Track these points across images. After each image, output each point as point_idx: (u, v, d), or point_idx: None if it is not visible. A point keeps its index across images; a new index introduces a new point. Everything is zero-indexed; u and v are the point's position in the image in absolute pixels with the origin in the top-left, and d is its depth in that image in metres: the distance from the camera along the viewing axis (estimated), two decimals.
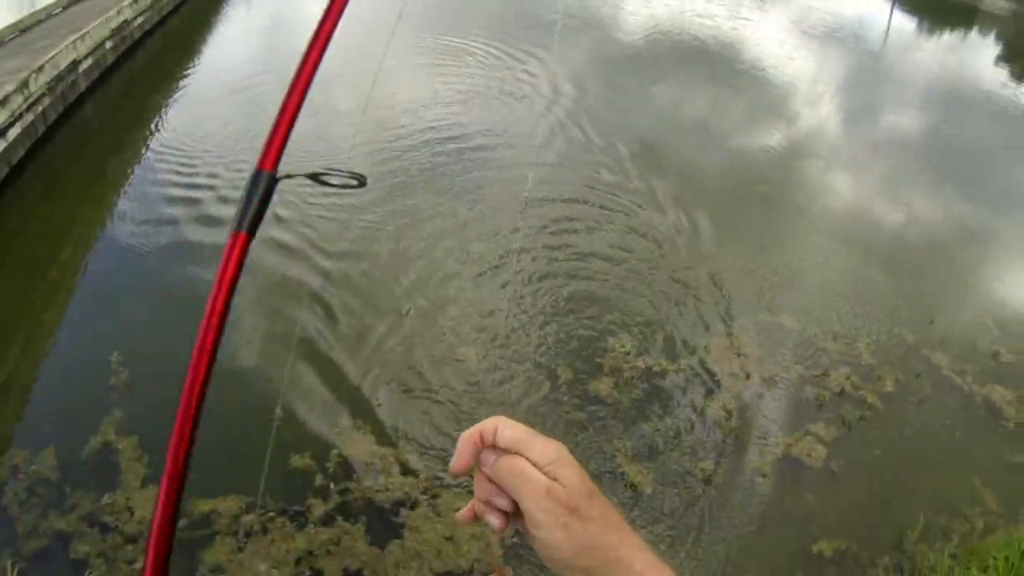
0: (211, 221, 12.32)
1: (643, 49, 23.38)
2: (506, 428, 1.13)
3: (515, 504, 1.14)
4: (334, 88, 15.75)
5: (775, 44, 25.18)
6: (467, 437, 1.15)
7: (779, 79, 21.70)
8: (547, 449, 1.11)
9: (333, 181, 1.59)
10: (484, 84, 19.19)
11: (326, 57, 1.58)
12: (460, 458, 1.14)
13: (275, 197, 1.53)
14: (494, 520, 1.17)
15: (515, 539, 7.26)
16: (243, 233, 1.54)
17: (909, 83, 23.87)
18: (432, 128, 16.07)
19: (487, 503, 1.16)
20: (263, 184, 1.56)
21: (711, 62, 22.54)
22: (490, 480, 1.14)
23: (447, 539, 7.24)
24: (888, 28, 29.61)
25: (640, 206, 13.30)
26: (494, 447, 1.13)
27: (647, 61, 22.10)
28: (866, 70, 24.83)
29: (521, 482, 1.09)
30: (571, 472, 1.09)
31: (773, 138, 17.35)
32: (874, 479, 8.32)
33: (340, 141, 15.15)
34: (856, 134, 18.56)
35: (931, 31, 32.46)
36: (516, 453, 1.10)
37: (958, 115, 21.06)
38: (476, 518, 1.20)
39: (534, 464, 1.08)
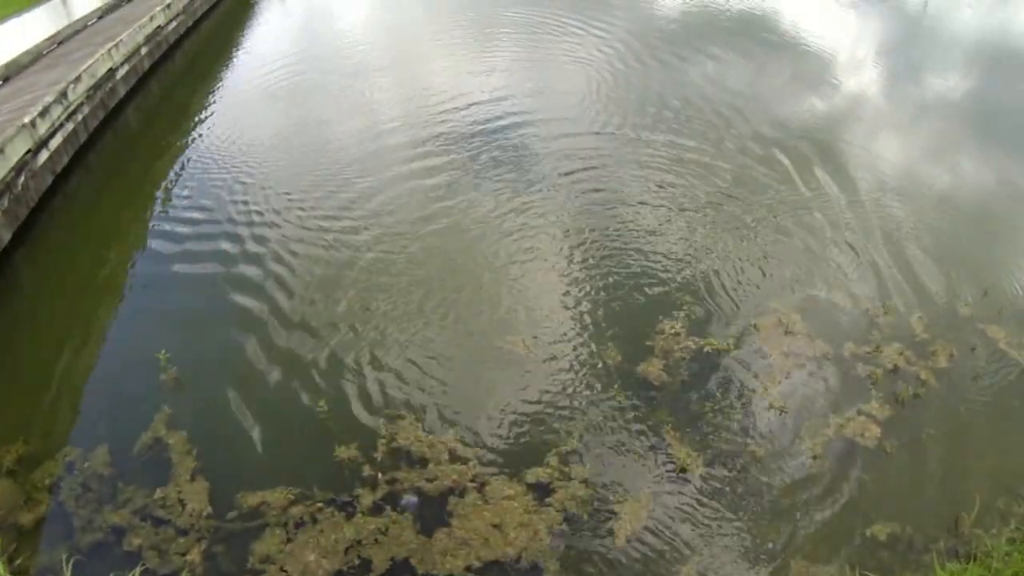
0: (249, 225, 12.58)
1: (684, 17, 23.08)
2: None
3: None
4: None
5: (816, 8, 24.55)
6: None
7: (822, 43, 21.12)
8: None
9: None
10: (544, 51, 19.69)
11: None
12: None
13: None
14: None
15: (563, 525, 7.28)
16: None
17: (953, 43, 23.00)
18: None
19: None
20: None
21: (752, 29, 22.08)
22: None
23: (495, 527, 7.20)
24: None
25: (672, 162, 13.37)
26: None
27: (689, 29, 21.74)
28: (908, 30, 24.05)
29: None
30: None
31: (817, 100, 16.96)
32: (929, 459, 8.04)
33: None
34: (900, 95, 17.97)
35: None
36: None
37: (1007, 74, 20.25)
38: None
39: None
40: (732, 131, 15.21)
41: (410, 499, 7.39)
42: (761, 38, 21.54)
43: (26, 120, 11.99)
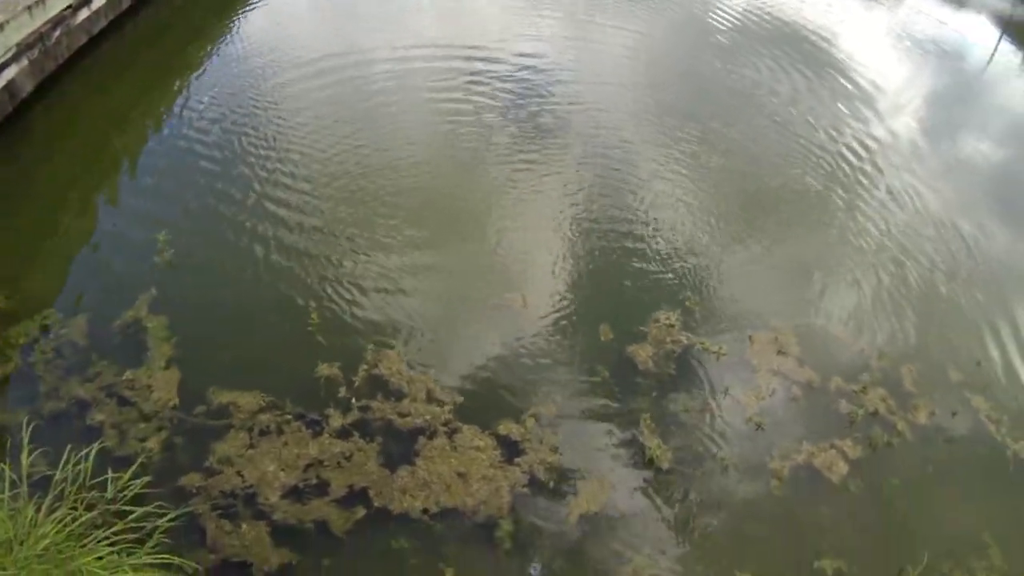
0: (270, 121, 12.45)
1: (742, 28, 22.59)
2: None
3: None
4: None
5: (874, 43, 24.06)
6: None
7: (870, 79, 20.74)
8: None
9: None
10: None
11: None
12: None
13: None
14: None
15: (525, 488, 7.32)
16: None
17: (1003, 110, 22.59)
18: None
19: None
20: None
21: (806, 50, 21.63)
22: None
23: (459, 475, 7.21)
24: (994, 52, 28.05)
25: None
26: None
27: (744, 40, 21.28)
28: (959, 89, 23.62)
29: None
30: None
31: (848, 134, 16.71)
32: (888, 508, 8.08)
33: None
34: (934, 150, 17.69)
35: None
36: None
37: None
38: None
39: None
40: (774, 132, 14.90)
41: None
42: (816, 58, 21.03)
43: None
